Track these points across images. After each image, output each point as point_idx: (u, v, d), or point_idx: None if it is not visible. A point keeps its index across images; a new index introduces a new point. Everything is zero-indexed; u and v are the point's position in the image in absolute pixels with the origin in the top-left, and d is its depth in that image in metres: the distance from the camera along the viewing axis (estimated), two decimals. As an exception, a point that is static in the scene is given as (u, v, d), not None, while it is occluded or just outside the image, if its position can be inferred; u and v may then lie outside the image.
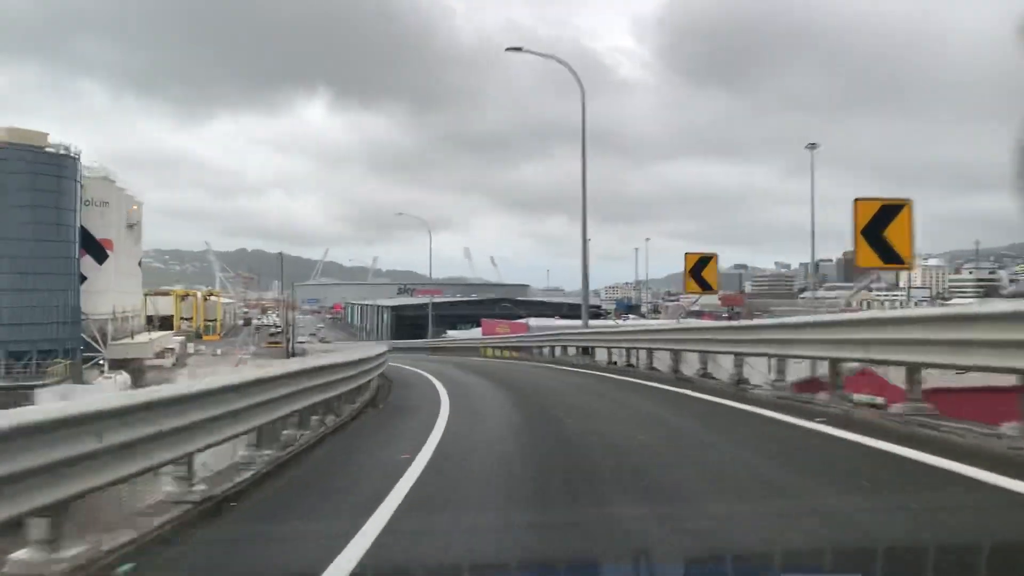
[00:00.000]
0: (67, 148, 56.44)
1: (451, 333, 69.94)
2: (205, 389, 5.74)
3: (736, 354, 11.20)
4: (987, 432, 6.04)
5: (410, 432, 8.66)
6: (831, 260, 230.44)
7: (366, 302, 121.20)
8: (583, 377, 16.38)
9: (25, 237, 51.98)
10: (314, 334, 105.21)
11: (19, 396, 35.67)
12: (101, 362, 61.45)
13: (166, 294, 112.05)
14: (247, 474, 6.23)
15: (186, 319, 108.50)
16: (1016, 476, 4.69)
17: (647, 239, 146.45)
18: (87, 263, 60.95)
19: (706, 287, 14.74)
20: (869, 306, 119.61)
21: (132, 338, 68.32)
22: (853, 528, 4.11)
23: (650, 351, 15.88)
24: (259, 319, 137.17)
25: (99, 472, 4.09)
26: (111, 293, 64.55)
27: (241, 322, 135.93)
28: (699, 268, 14.69)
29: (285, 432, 8.50)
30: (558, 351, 25.41)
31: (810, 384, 12.19)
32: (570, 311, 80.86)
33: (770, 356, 9.82)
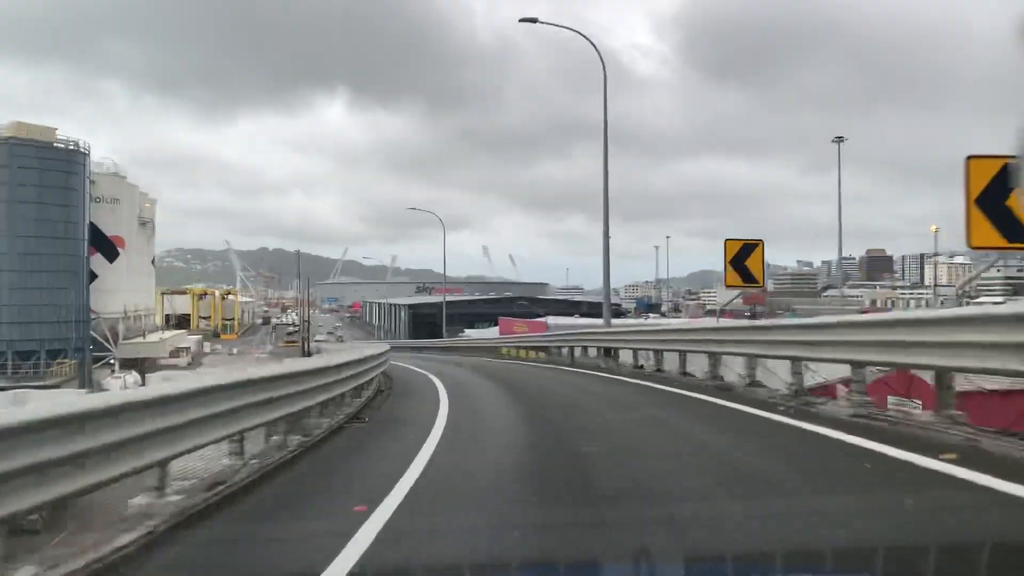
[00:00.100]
0: (76, 143, 55.32)
1: (468, 332, 68.56)
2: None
3: (796, 359, 9.12)
4: None
5: (385, 463, 6.74)
6: (854, 258, 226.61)
7: (384, 301, 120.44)
8: (608, 384, 14.33)
9: (32, 234, 50.87)
10: (331, 332, 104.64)
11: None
12: (112, 361, 60.40)
13: (183, 293, 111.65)
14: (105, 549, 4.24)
15: (204, 318, 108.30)
16: None
17: (667, 236, 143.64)
18: (97, 261, 59.92)
19: (750, 280, 12.66)
20: (893, 304, 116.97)
21: (144, 337, 67.23)
22: None
23: (683, 354, 13.82)
24: (278, 318, 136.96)
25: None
26: (122, 291, 63.48)
27: (260, 321, 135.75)
28: (742, 257, 12.62)
29: (225, 461, 6.60)
30: (578, 351, 23.39)
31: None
32: (590, 309, 79.10)
33: (855, 364, 7.69)
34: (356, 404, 11.95)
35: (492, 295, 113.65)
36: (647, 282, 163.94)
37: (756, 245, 12.66)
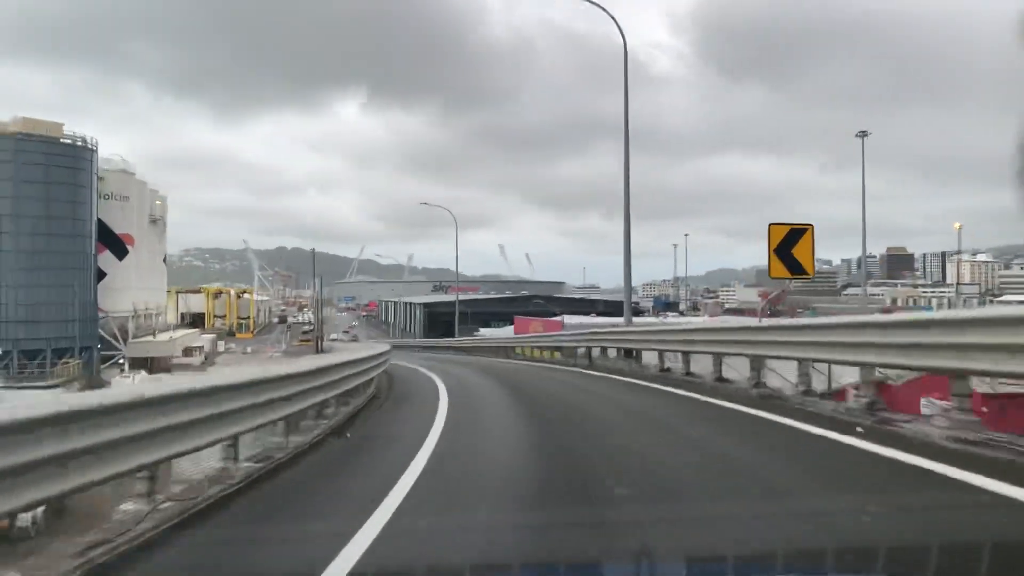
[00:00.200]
0: (83, 139, 54.31)
1: (484, 331, 67.29)
2: None
3: (866, 365, 7.34)
4: None
5: (351, 499, 5.09)
6: (874, 256, 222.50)
7: (399, 300, 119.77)
8: (633, 392, 12.56)
9: (39, 231, 49.90)
10: (347, 331, 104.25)
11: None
12: (121, 361, 59.47)
13: (197, 291, 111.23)
14: None
15: (219, 317, 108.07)
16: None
17: (686, 234, 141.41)
18: (106, 258, 58.97)
19: (798, 270, 10.85)
20: (915, 303, 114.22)
21: (154, 336, 66.28)
22: None
23: (718, 356, 12.04)
24: (294, 317, 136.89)
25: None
26: (132, 290, 62.54)
27: (276, 319, 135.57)
28: (788, 244, 10.82)
29: (127, 507, 4.98)
30: (596, 352, 21.66)
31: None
32: (606, 308, 77.50)
33: (966, 374, 5.89)
34: (342, 413, 10.37)
35: (508, 294, 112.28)
36: (664, 280, 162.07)
37: (805, 230, 10.85)
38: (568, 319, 48.86)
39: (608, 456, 6.72)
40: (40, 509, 4.08)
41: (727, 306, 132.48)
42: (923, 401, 7.69)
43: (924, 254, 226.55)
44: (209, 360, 75.34)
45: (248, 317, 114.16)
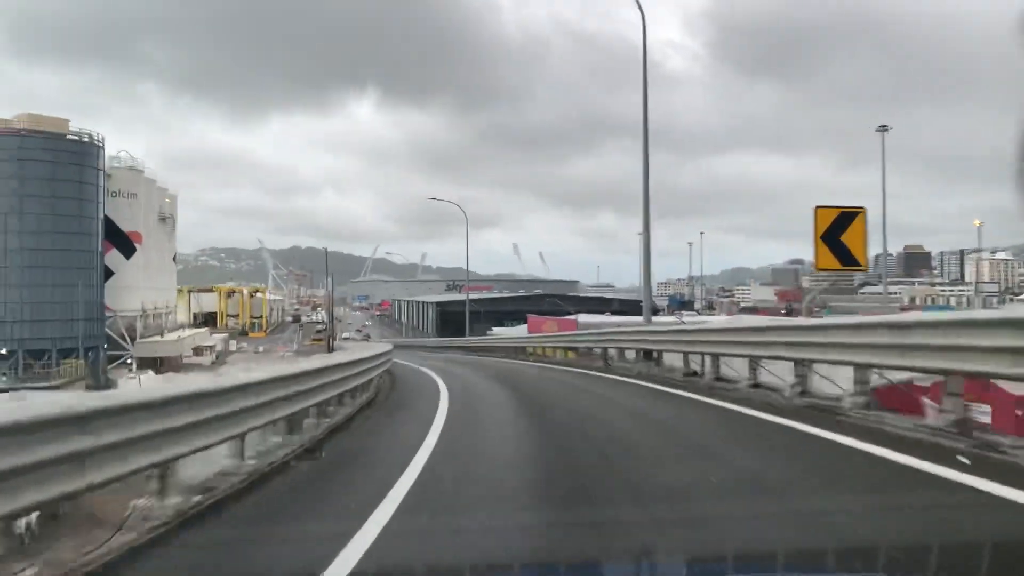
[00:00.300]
0: (89, 135, 53.46)
1: (497, 330, 66.05)
2: None
3: (982, 375, 5.85)
4: None
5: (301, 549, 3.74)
6: (891, 254, 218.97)
7: (412, 299, 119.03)
8: (663, 402, 11.07)
9: (44, 229, 49.06)
10: (359, 330, 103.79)
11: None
12: (128, 361, 58.69)
13: (209, 290, 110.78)
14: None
15: (232, 316, 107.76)
16: None
17: (701, 233, 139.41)
18: (114, 257, 58.16)
19: (849, 260, 9.35)
20: (933, 302, 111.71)
21: (163, 336, 65.50)
22: None
23: (754, 360, 10.57)
24: (308, 316, 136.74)
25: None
26: (140, 289, 61.71)
27: (290, 319, 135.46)
28: (837, 230, 9.33)
29: None
30: (612, 352, 20.21)
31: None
32: (621, 307, 76.10)
33: None
34: (323, 427, 9.02)
35: (521, 293, 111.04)
36: (680, 279, 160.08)
37: (856, 214, 9.34)
38: (583, 318, 47.64)
39: (635, 488, 5.28)
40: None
41: (743, 305, 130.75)
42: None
43: (941, 252, 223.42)
44: (220, 360, 74.74)
45: (261, 316, 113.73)
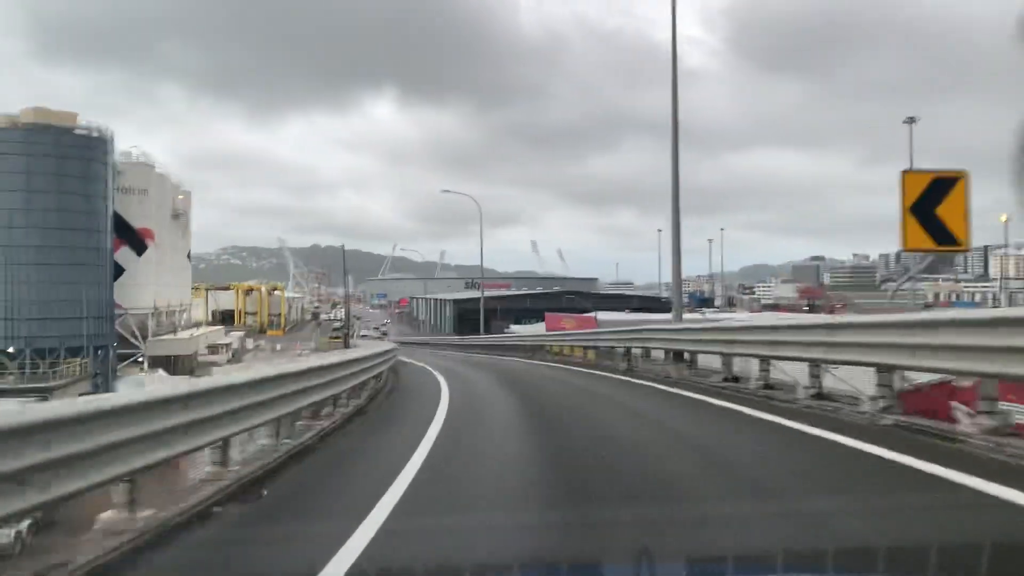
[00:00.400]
0: (99, 129, 52.27)
1: (515, 328, 64.55)
2: None
3: None
4: None
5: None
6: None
7: (430, 296, 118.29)
8: (708, 416, 9.07)
9: (51, 225, 47.84)
10: (377, 328, 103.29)
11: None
12: (140, 359, 57.63)
13: (227, 288, 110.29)
14: None
15: (251, 314, 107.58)
16: None
17: (722, 229, 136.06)
18: (124, 254, 57.02)
19: (945, 238, 7.33)
20: (958, 298, 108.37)
21: (175, 334, 64.42)
22: None
23: (816, 363, 8.59)
24: (327, 314, 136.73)
25: None
26: (152, 286, 60.60)
27: (310, 317, 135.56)
28: (931, 201, 7.33)
29: None
30: (635, 351, 18.28)
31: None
32: (641, 304, 74.28)
33: None
34: (283, 449, 7.25)
35: (540, 290, 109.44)
36: (699, 276, 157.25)
37: (956, 180, 7.33)
38: (602, 315, 45.94)
39: None
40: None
41: (763, 302, 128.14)
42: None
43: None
44: (236, 358, 73.83)
45: (280, 314, 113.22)
